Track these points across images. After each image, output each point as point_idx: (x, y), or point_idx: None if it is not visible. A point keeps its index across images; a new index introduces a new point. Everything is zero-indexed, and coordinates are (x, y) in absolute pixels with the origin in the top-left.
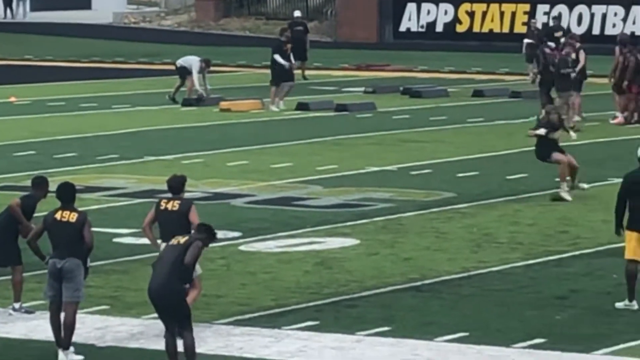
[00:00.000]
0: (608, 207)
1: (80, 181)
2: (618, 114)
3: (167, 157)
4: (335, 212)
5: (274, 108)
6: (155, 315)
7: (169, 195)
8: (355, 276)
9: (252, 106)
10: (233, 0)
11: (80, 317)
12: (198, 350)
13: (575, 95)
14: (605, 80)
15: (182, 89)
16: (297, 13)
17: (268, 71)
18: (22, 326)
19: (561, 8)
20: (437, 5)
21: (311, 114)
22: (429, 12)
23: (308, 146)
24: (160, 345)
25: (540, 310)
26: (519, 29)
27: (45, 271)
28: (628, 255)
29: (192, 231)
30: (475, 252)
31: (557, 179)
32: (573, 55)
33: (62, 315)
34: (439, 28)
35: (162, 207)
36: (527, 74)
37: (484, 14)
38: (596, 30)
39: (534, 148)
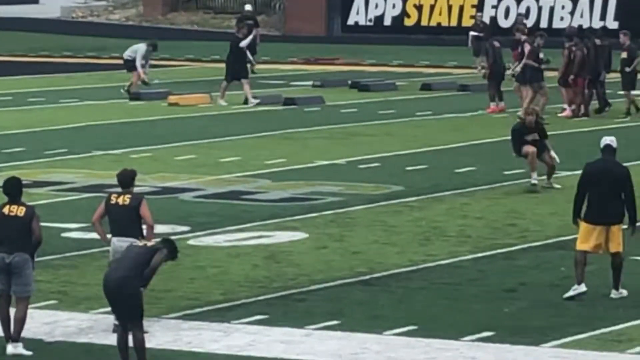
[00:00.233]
0: (556, 200)
1: (28, 176)
2: (566, 106)
3: (116, 152)
4: (284, 206)
5: (222, 103)
6: (104, 310)
7: (119, 189)
8: (304, 270)
9: (200, 100)
10: None
11: (29, 311)
12: (147, 345)
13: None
14: (554, 74)
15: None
16: (247, 7)
17: (217, 65)
18: None
19: (509, 2)
20: None
21: (259, 108)
22: (377, 5)
23: (256, 140)
24: (108, 340)
25: (488, 303)
26: (467, 22)
27: None
28: (580, 246)
29: (144, 226)
30: (423, 245)
31: (506, 172)
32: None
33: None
34: (387, 22)
35: (113, 202)
36: (475, 68)
37: (432, 7)
38: (544, 24)
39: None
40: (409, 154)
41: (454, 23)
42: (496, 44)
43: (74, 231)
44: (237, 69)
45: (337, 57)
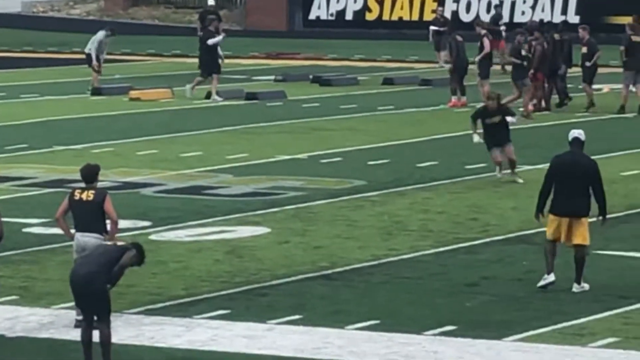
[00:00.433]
0: (517, 194)
1: None
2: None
3: (77, 147)
4: (246, 201)
5: (189, 95)
6: (66, 305)
7: (82, 185)
8: (266, 265)
9: (161, 95)
10: None
11: None
12: None
13: (485, 83)
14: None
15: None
16: (210, 1)
17: (178, 60)
18: None
19: None
20: None
21: (221, 103)
22: (338, 0)
23: (218, 135)
24: (70, 335)
25: (451, 297)
26: (429, 16)
27: None
28: (549, 237)
29: (108, 221)
30: (385, 240)
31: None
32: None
33: None
34: (349, 16)
35: (76, 197)
36: (437, 62)
37: (394, 2)
38: (505, 18)
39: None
40: (371, 148)
41: (415, 17)
42: (459, 38)
43: (35, 226)
44: (210, 64)
45: (297, 52)
